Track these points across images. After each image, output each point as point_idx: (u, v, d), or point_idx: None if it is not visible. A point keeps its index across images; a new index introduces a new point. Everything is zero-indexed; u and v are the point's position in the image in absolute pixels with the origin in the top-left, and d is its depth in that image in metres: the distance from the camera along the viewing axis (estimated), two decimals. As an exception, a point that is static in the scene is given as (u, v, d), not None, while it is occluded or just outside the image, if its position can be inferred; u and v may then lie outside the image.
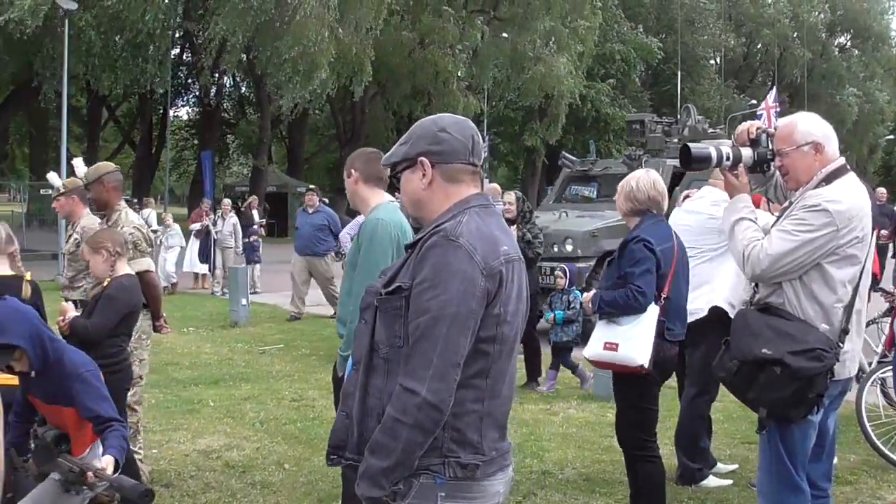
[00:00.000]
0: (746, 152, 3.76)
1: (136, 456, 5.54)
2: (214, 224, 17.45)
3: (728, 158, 3.71)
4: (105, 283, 4.94)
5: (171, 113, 41.66)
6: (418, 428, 2.30)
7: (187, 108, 50.31)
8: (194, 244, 17.94)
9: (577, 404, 8.21)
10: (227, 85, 45.43)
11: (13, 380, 5.07)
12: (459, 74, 35.72)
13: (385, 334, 2.42)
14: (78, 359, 3.91)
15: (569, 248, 11.80)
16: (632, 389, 4.72)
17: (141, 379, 5.75)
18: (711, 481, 5.80)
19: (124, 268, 5.01)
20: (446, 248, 2.36)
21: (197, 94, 43.86)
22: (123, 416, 4.86)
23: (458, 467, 2.39)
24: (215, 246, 17.19)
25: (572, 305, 8.72)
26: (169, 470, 6.15)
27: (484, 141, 2.83)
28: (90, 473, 3.52)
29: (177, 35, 33.68)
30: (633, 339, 4.58)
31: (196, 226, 17.91)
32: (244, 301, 13.18)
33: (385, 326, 2.42)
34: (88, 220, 6.21)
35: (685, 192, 7.15)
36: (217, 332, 12.42)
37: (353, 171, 4.33)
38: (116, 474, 3.56)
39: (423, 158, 2.51)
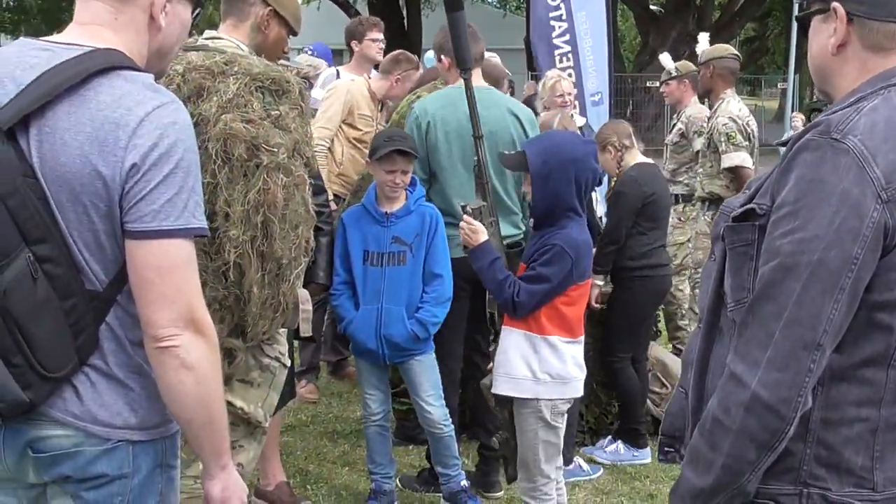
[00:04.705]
0: None
1: None
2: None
3: None
4: (615, 181, 4.71)
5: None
6: (746, 437, 1.50)
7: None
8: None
9: None
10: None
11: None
12: None
13: (732, 282, 1.60)
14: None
15: None
16: None
17: None
18: None
19: (635, 158, 4.66)
20: (822, 154, 1.46)
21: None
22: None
23: None
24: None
25: None
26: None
27: None
28: None
29: None
30: None
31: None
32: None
33: (733, 270, 1.60)
34: (694, 108, 5.93)
35: None
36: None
37: None
38: None
39: (836, 5, 1.58)
